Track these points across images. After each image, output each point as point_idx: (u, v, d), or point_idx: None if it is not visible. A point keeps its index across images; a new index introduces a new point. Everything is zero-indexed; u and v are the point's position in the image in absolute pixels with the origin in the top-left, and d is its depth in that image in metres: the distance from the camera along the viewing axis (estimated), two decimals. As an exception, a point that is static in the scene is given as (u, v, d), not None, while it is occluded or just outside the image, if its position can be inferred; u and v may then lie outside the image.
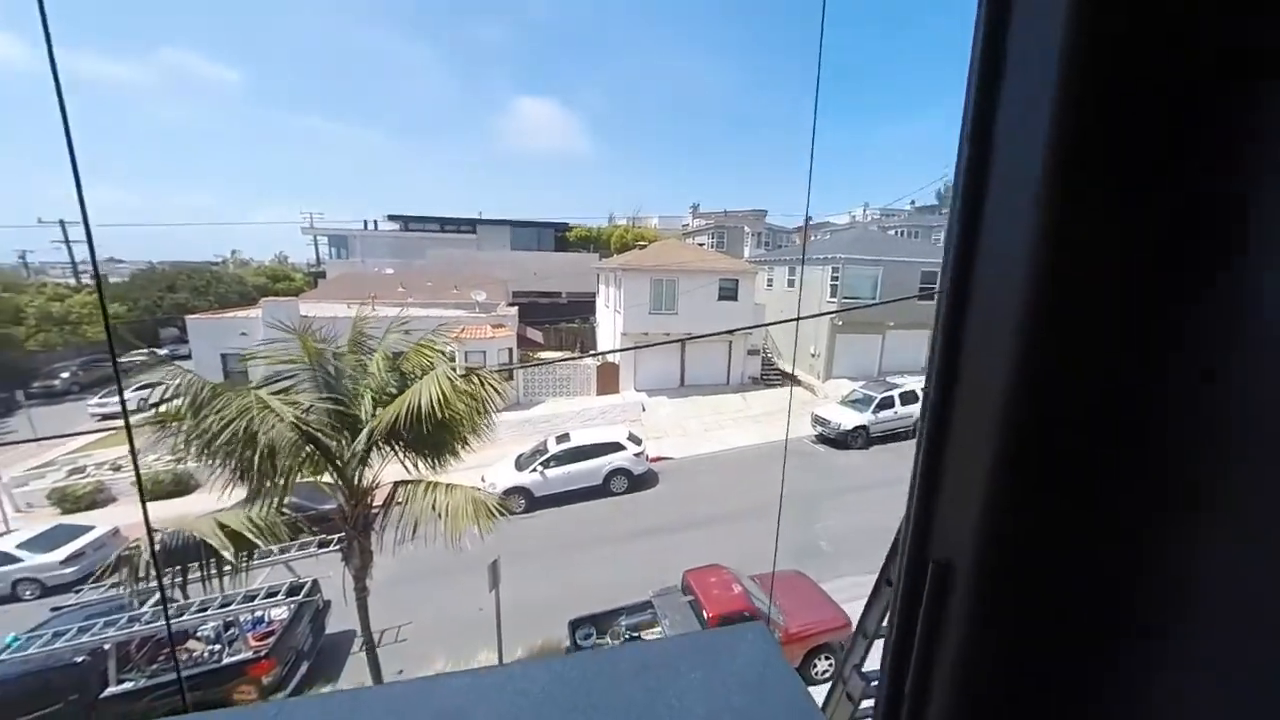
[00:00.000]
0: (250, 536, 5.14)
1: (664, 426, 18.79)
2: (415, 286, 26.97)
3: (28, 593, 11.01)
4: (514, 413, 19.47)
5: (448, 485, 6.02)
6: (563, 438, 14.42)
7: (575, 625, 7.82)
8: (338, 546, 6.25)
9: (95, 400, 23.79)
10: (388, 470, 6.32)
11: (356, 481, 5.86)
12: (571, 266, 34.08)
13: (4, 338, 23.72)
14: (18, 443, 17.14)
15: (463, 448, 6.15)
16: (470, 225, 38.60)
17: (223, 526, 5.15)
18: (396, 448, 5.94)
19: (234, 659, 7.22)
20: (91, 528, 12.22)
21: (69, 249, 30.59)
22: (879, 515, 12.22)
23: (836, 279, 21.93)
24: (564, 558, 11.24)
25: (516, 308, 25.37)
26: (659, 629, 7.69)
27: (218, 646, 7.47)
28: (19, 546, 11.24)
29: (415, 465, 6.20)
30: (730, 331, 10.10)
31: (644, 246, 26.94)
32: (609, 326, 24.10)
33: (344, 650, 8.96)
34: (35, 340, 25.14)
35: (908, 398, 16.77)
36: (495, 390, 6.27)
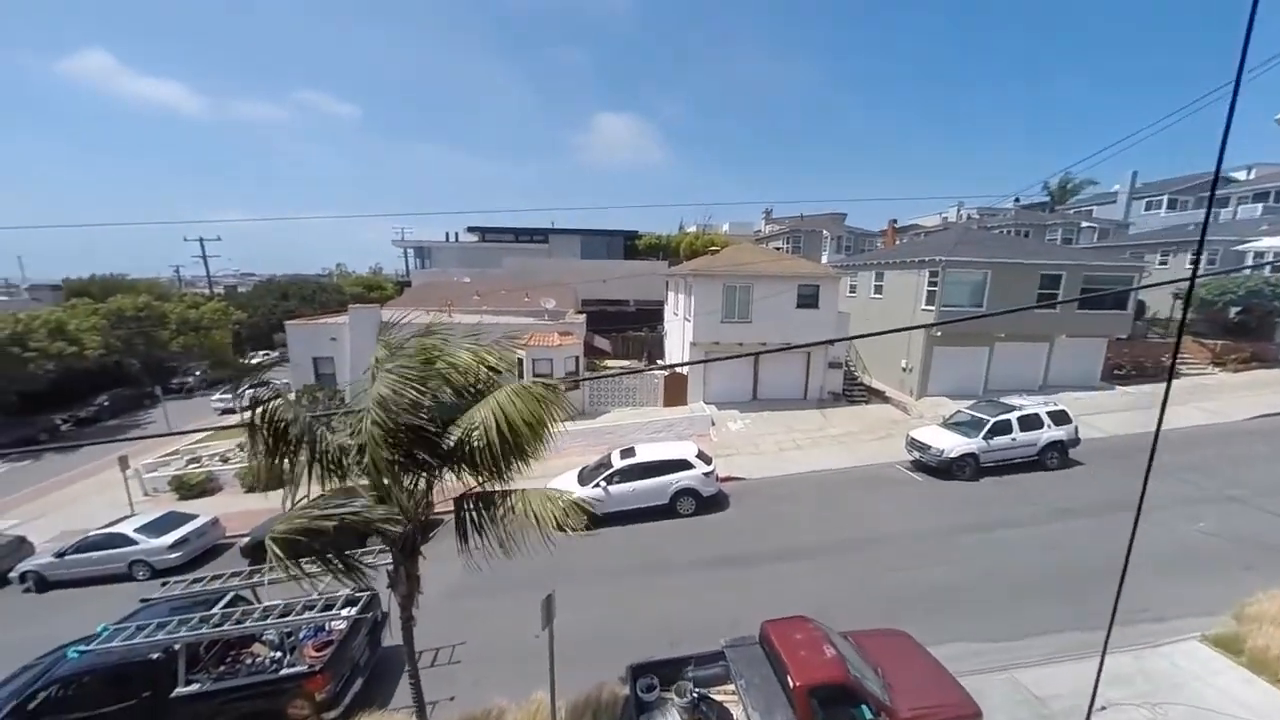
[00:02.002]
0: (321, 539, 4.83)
1: (735, 443, 17.49)
2: (489, 294, 27.77)
3: (140, 573, 12.02)
4: (579, 422, 19.10)
5: (521, 490, 5.42)
6: (628, 452, 13.66)
7: (636, 672, 6.90)
8: (386, 565, 5.80)
9: (216, 396, 26.69)
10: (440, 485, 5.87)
11: (411, 501, 5.39)
12: (640, 274, 33.66)
13: (152, 339, 27.35)
14: (153, 436, 19.33)
15: (529, 459, 5.53)
16: (543, 235, 39.55)
17: (308, 530, 4.86)
18: (462, 464, 5.39)
19: (291, 670, 7.06)
20: (196, 516, 13.22)
21: (205, 263, 34.95)
22: (996, 563, 10.22)
23: (935, 284, 19.45)
24: (626, 584, 10.40)
25: (584, 315, 25.22)
26: (733, 689, 6.58)
27: (279, 654, 7.40)
28: (137, 530, 12.33)
29: (478, 479, 5.67)
30: (811, 345, 8.80)
31: (715, 252, 25.80)
32: (678, 335, 23.17)
33: (399, 668, 8.68)
34: (176, 343, 28.78)
35: (1029, 422, 14.21)
36: (559, 402, 5.58)
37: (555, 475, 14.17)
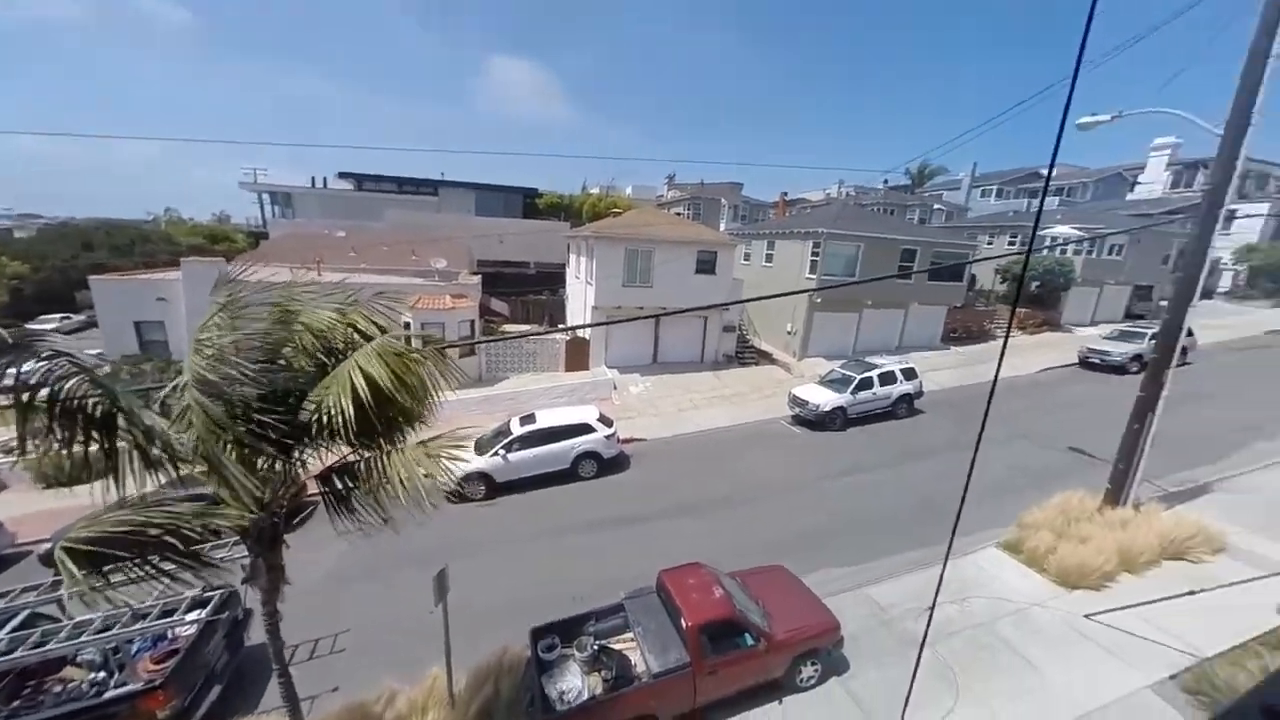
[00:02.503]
0: (163, 537, 3.97)
1: (636, 406, 17.94)
2: (368, 251, 24.81)
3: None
4: (476, 390, 18.20)
5: (389, 452, 4.90)
6: (527, 419, 13.34)
7: (537, 634, 6.96)
8: (242, 559, 5.06)
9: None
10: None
11: (267, 488, 4.68)
12: (541, 235, 32.23)
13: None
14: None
15: (404, 430, 5.02)
16: (431, 187, 35.97)
17: (124, 527, 3.95)
18: (325, 440, 4.74)
19: (120, 691, 6.01)
20: (-30, 522, 10.49)
21: (-44, 197, 26.37)
22: (857, 503, 11.86)
23: (817, 254, 21.21)
24: (528, 550, 10.34)
25: (479, 277, 23.68)
26: (632, 637, 6.93)
27: (101, 675, 6.25)
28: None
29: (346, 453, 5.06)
30: (710, 308, 9.27)
31: (618, 214, 25.45)
32: (580, 299, 22.78)
33: (269, 665, 7.84)
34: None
35: (886, 378, 16.39)
36: (444, 367, 5.09)
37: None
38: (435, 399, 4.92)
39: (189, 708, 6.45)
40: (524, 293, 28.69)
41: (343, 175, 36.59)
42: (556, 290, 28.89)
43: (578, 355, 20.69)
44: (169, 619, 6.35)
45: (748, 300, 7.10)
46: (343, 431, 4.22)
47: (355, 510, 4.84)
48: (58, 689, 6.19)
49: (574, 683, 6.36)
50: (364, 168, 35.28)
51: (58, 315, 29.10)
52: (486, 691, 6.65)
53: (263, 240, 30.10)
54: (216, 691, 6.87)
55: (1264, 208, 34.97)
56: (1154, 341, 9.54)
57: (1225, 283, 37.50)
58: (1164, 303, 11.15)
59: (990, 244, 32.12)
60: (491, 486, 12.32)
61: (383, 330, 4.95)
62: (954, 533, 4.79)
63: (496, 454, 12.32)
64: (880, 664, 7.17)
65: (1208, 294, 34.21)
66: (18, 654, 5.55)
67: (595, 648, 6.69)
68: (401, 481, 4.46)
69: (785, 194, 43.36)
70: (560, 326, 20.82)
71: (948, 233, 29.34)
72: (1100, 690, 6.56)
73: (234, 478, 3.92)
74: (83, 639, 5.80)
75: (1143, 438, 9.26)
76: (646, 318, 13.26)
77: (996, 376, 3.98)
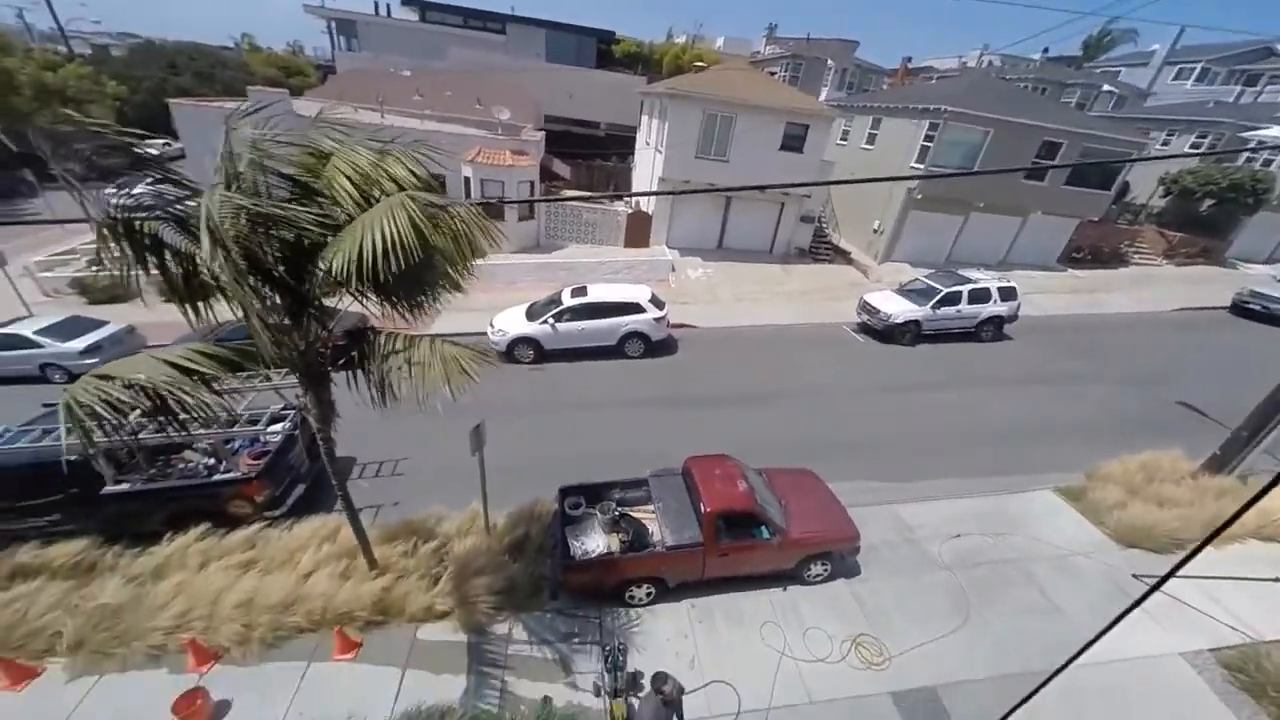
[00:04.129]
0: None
1: (692, 291, 17.24)
2: (433, 95, 23.48)
3: (56, 376, 11.43)
4: (533, 256, 18.05)
5: (414, 337, 4.90)
6: (579, 291, 13.15)
7: (565, 492, 7.48)
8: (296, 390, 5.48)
9: (111, 189, 22.98)
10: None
11: (297, 332, 4.79)
12: (614, 91, 29.01)
13: (4, 107, 21.98)
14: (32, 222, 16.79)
15: (439, 295, 4.88)
16: (499, 24, 32.41)
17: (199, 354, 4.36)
18: (355, 288, 4.68)
19: (225, 476, 7.20)
20: (106, 322, 12.23)
21: (51, 6, 26.65)
22: (908, 421, 11.23)
23: (932, 138, 17.76)
24: (566, 417, 10.84)
25: (543, 134, 22.11)
26: (652, 509, 7.28)
27: (212, 460, 7.46)
28: (37, 333, 11.35)
29: (385, 309, 5.05)
30: (790, 186, 8.10)
31: (701, 69, 22.07)
32: (647, 167, 20.99)
33: (344, 476, 9.08)
34: (41, 117, 23.43)
35: (978, 296, 14.47)
36: (487, 228, 4.70)
37: (505, 308, 13.72)
38: (469, 263, 4.61)
39: (280, 497, 7.72)
40: (591, 156, 26.81)
41: (406, 3, 33.53)
42: (626, 158, 26.74)
43: (639, 231, 19.67)
44: (253, 428, 7.28)
45: (836, 183, 5.95)
46: (360, 284, 4.03)
47: (369, 376, 4.81)
48: (179, 465, 7.49)
49: (594, 539, 6.89)
50: (432, -8, 31.89)
51: (160, 140, 30.75)
52: (519, 532, 7.41)
53: (330, 76, 29.16)
54: (301, 489, 8.12)
55: None
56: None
57: None
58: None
59: (1166, 144, 25.64)
60: (540, 352, 12.67)
61: (424, 184, 4.52)
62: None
63: (546, 322, 12.45)
64: (892, 576, 7.23)
65: None
66: (142, 436, 6.61)
67: (617, 513, 7.12)
68: (420, 365, 4.37)
69: (909, 59, 35.66)
70: (620, 193, 19.42)
71: (1111, 124, 23.34)
72: (1122, 644, 6.31)
73: (255, 327, 3.93)
74: (196, 432, 6.76)
75: (1287, 404, 7.73)
76: (717, 191, 11.87)
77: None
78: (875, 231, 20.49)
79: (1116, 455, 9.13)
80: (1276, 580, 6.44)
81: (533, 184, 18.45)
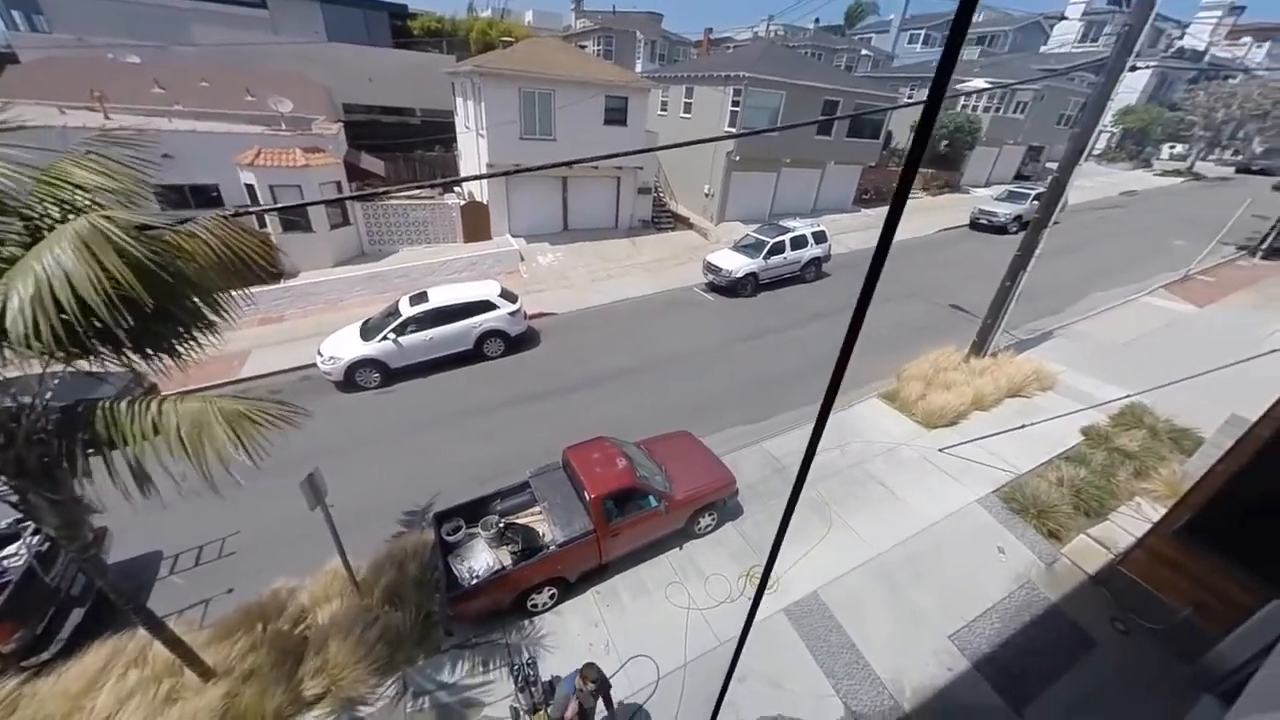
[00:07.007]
0: None
1: (546, 278, 16.78)
2: (181, 86, 18.95)
3: None
4: (359, 267, 15.93)
5: (177, 397, 3.86)
6: (419, 298, 11.92)
7: (441, 518, 6.82)
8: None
9: None
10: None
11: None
12: (421, 71, 26.32)
13: None
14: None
15: (191, 339, 3.86)
16: (258, -4, 27.02)
17: None
18: (51, 346, 3.46)
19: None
20: None
21: None
22: (761, 365, 12.42)
23: (738, 103, 19.29)
24: (430, 436, 9.90)
25: (340, 125, 19.32)
26: (538, 510, 7.00)
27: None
28: None
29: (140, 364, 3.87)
30: (619, 155, 8.17)
31: (511, 44, 21.00)
32: (472, 154, 19.61)
33: (147, 579, 7.21)
34: None
35: (798, 242, 16.36)
36: (249, 244, 3.80)
37: (331, 331, 11.92)
38: (222, 297, 3.72)
39: (43, 636, 5.85)
40: (409, 148, 24.19)
41: (117, -32, 26.22)
42: (450, 146, 24.64)
43: (477, 223, 18.42)
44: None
45: (662, 148, 6.05)
46: (67, 344, 3.00)
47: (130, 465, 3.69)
48: None
49: (480, 559, 6.42)
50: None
51: None
52: (391, 576, 6.60)
53: (9, 66, 21.80)
54: (79, 614, 6.24)
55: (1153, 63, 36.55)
56: (1036, 202, 9.83)
57: (1100, 145, 40.43)
58: (1050, 165, 11.55)
59: (910, 97, 31.25)
60: (386, 373, 11.31)
61: (124, 190, 3.48)
62: (830, 391, 4.78)
63: (385, 339, 11.09)
64: (769, 507, 7.97)
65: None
66: None
67: (501, 525, 6.70)
68: (182, 438, 3.45)
69: (710, 30, 38.20)
70: (439, 181, 17.75)
71: (871, 83, 27.77)
72: (941, 506, 7.82)
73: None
74: None
75: (1011, 294, 10.06)
76: (546, 169, 11.47)
77: (887, 242, 3.56)
78: (707, 195, 21.89)
79: (915, 357, 11.12)
80: (1023, 426, 8.44)
81: (339, 184, 16.07)
